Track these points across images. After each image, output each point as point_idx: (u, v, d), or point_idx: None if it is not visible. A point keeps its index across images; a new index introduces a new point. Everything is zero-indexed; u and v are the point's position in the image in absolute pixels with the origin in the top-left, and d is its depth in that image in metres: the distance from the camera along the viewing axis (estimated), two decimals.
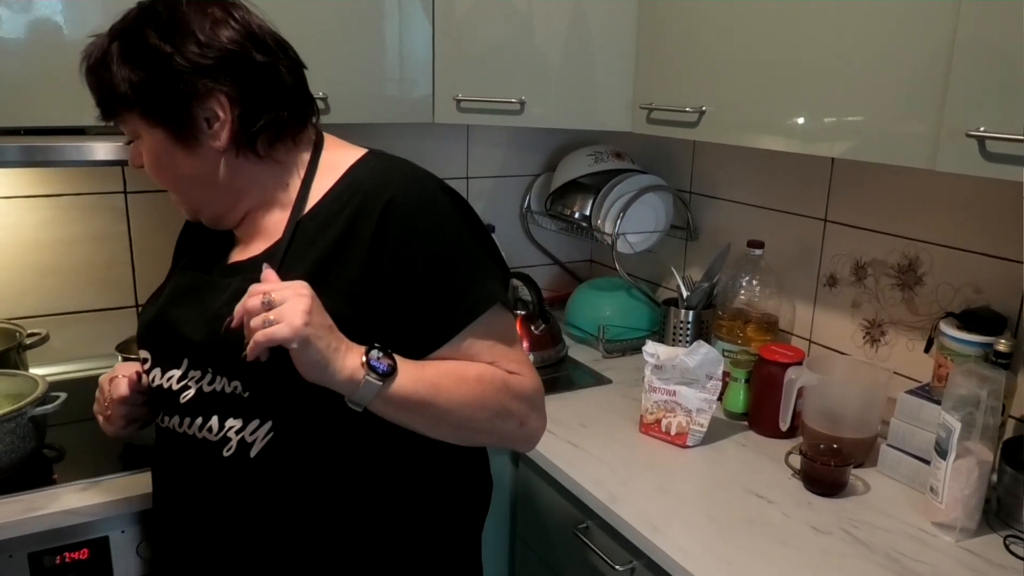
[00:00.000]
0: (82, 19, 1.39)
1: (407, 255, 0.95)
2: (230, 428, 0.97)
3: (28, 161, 1.38)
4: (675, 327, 1.82)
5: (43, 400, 1.35)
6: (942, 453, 1.21)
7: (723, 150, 1.83)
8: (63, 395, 1.37)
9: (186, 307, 1.03)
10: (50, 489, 1.30)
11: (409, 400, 0.92)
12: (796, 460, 1.38)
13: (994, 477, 1.23)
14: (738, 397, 1.60)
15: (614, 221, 1.89)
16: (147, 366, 1.06)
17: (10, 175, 1.68)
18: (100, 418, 1.12)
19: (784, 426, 1.49)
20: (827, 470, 1.32)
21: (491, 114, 1.67)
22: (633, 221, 1.91)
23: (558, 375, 1.86)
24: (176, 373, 1.02)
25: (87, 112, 1.40)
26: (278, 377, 0.92)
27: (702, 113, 1.41)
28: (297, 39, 1.02)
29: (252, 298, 0.85)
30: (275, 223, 1.03)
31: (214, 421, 0.98)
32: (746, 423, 1.58)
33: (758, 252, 1.68)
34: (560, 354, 1.93)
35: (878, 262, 1.53)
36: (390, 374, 0.90)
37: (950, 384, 1.22)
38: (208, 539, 1.03)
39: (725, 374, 1.56)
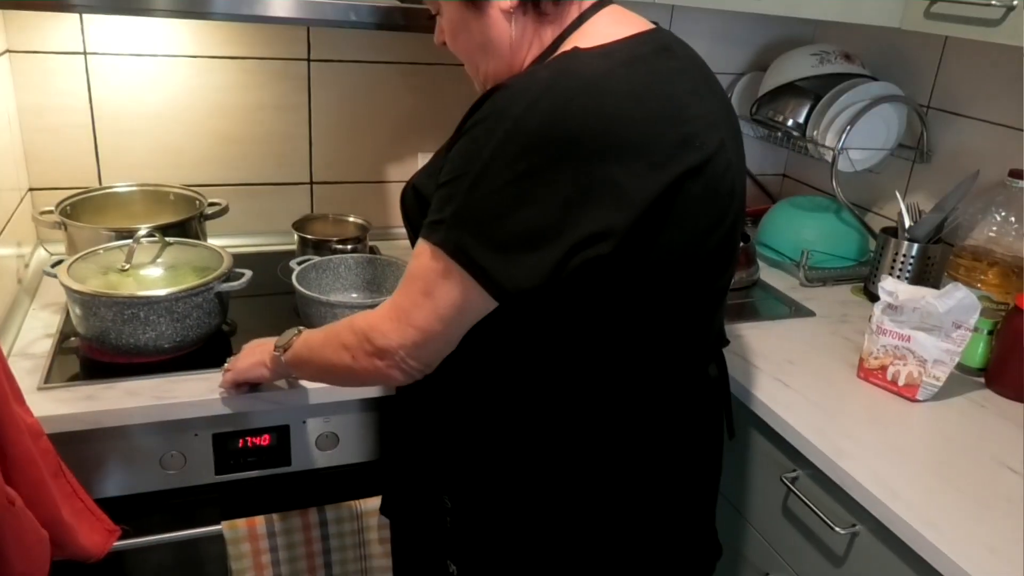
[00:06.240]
0: None
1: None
2: None
3: (227, 14, 1.27)
4: (894, 260, 1.60)
5: (228, 276, 1.29)
6: None
7: (983, 58, 1.54)
8: (249, 272, 1.29)
9: None
10: None
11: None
12: None
13: None
14: (977, 350, 1.38)
15: (839, 134, 1.65)
16: None
17: (197, 33, 1.58)
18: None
19: None
20: None
21: None
22: (861, 135, 1.66)
23: (749, 300, 1.68)
24: None
25: None
26: None
27: (1010, 8, 1.14)
28: None
29: None
30: None
31: None
32: (983, 380, 1.38)
33: (1022, 183, 1.43)
34: (752, 277, 1.74)
35: None
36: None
37: None
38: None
39: None
